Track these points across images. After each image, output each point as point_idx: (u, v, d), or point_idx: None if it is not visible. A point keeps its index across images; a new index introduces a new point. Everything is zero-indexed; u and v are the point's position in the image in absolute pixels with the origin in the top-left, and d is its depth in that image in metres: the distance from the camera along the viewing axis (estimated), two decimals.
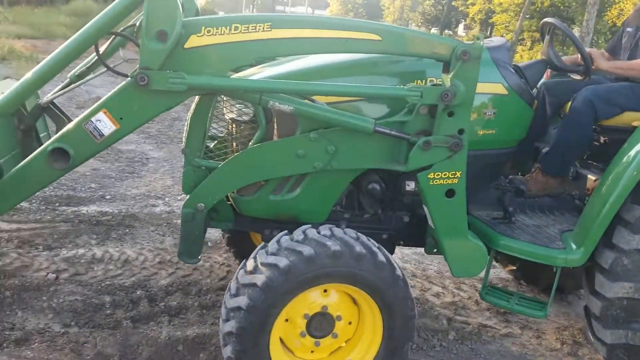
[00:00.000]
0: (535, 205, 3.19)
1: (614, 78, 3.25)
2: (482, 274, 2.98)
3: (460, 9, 39.92)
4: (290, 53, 2.75)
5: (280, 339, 2.51)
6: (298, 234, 2.43)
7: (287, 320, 2.48)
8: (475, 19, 38.56)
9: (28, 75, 2.69)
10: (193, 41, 2.35)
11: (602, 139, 3.12)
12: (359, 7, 65.68)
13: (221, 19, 2.42)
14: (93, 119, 2.44)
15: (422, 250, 3.16)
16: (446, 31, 42.66)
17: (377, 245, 2.48)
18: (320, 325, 2.50)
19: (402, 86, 2.56)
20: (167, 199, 5.19)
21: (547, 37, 3.20)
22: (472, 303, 3.77)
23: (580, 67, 3.15)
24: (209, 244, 4.21)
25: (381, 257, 2.41)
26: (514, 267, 3.97)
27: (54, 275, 3.50)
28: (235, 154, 2.69)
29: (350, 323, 2.57)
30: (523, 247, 2.83)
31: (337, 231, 2.45)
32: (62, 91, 3.14)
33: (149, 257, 3.93)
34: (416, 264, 4.32)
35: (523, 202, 3.18)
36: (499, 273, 4.25)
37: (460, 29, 45.01)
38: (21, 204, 4.43)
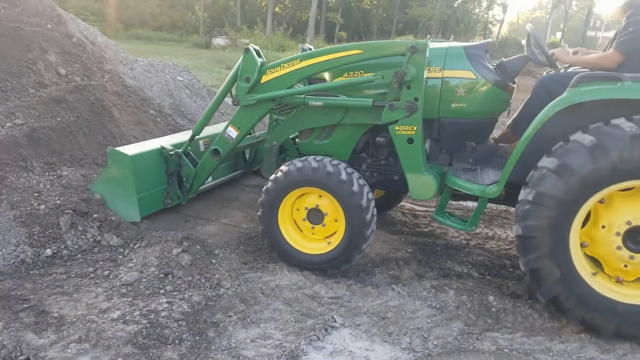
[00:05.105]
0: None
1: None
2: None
3: None
4: (314, 73, 4.20)
5: (295, 222, 4.15)
6: (303, 158, 4.03)
7: (297, 209, 4.12)
8: None
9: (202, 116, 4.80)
10: (264, 79, 4.28)
11: None
12: None
13: (276, 62, 4.26)
14: (227, 130, 4.54)
15: None
16: None
17: (348, 170, 3.87)
18: (315, 215, 4.04)
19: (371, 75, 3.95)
20: None
21: (527, 41, 4.10)
22: None
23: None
24: None
25: (344, 176, 3.83)
26: None
27: (466, 241, 4.92)
28: (291, 113, 4.53)
29: (336, 220, 4.01)
30: (460, 183, 3.87)
31: (325, 159, 3.93)
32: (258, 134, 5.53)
33: None
34: None
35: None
36: None
37: None
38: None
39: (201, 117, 4.81)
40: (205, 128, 4.89)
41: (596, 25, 68.86)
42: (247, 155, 5.99)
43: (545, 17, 60.34)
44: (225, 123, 4.68)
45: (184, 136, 5.20)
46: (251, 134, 5.28)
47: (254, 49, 4.31)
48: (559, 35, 52.51)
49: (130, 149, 4.60)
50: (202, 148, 5.16)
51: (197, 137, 4.89)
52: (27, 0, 6.54)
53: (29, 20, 6.31)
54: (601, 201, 3.28)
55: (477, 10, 47.21)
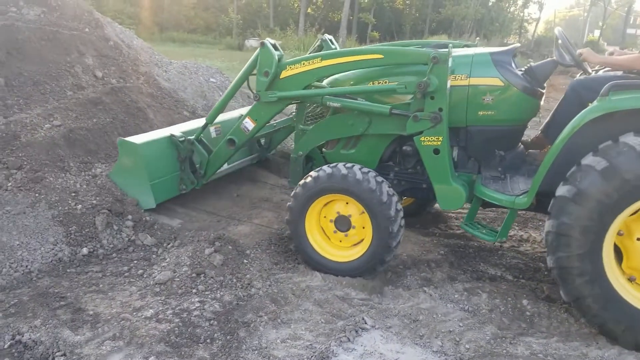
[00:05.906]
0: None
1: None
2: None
3: None
4: (333, 73, 4.21)
5: (323, 230, 4.16)
6: (324, 167, 4.01)
7: (324, 216, 4.11)
8: None
9: (215, 105, 4.90)
10: (283, 74, 4.25)
11: None
12: None
13: (296, 59, 4.22)
14: (244, 121, 4.60)
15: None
16: None
17: (368, 174, 3.85)
18: (341, 223, 4.05)
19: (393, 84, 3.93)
20: None
21: (555, 43, 3.99)
22: None
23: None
24: None
25: (359, 176, 3.82)
26: None
27: (499, 244, 4.83)
28: (316, 123, 4.51)
29: (363, 227, 3.99)
30: (489, 193, 3.82)
31: (348, 165, 3.93)
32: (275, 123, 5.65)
33: None
34: None
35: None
36: None
37: None
38: None
39: (215, 106, 4.93)
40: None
41: (636, 23, 66.66)
42: (263, 140, 6.07)
43: (583, 15, 58.91)
44: (237, 111, 4.66)
45: (193, 124, 5.34)
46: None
47: (270, 43, 4.33)
48: (597, 33, 51.25)
49: (138, 138, 4.71)
50: (213, 135, 5.28)
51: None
52: (66, 4, 6.71)
53: (68, 24, 6.47)
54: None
55: (512, 9, 46.35)
